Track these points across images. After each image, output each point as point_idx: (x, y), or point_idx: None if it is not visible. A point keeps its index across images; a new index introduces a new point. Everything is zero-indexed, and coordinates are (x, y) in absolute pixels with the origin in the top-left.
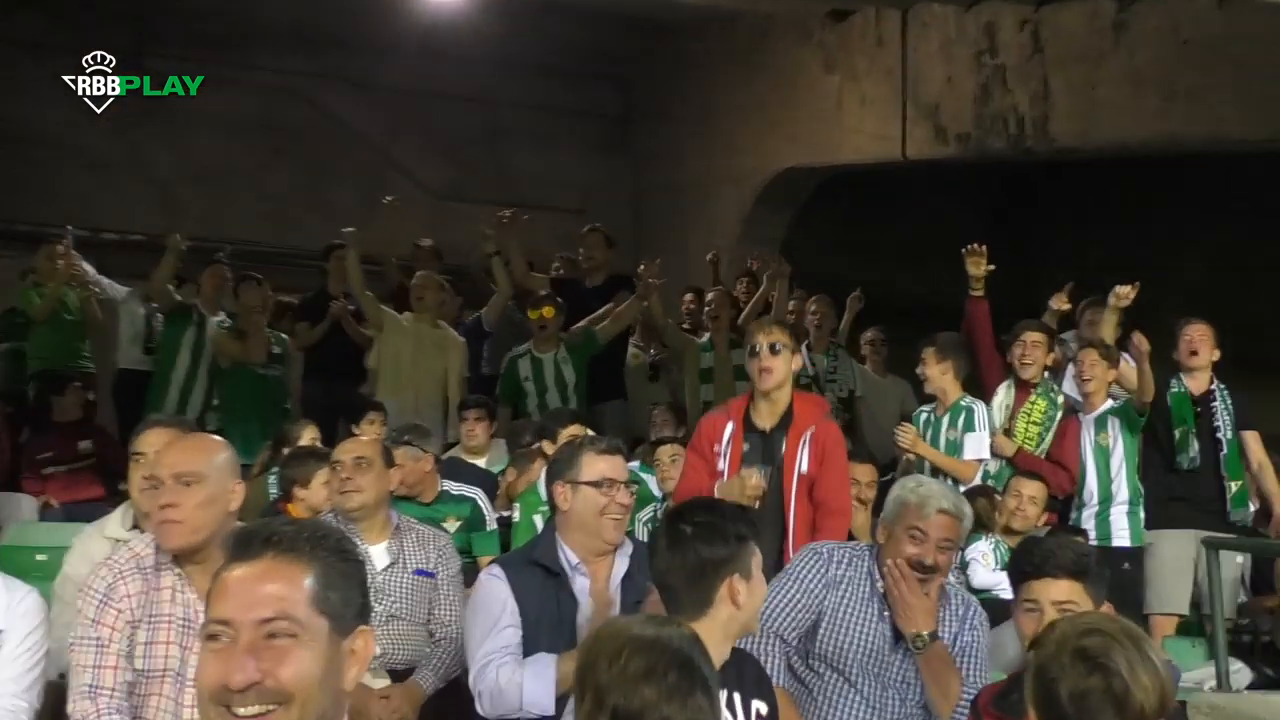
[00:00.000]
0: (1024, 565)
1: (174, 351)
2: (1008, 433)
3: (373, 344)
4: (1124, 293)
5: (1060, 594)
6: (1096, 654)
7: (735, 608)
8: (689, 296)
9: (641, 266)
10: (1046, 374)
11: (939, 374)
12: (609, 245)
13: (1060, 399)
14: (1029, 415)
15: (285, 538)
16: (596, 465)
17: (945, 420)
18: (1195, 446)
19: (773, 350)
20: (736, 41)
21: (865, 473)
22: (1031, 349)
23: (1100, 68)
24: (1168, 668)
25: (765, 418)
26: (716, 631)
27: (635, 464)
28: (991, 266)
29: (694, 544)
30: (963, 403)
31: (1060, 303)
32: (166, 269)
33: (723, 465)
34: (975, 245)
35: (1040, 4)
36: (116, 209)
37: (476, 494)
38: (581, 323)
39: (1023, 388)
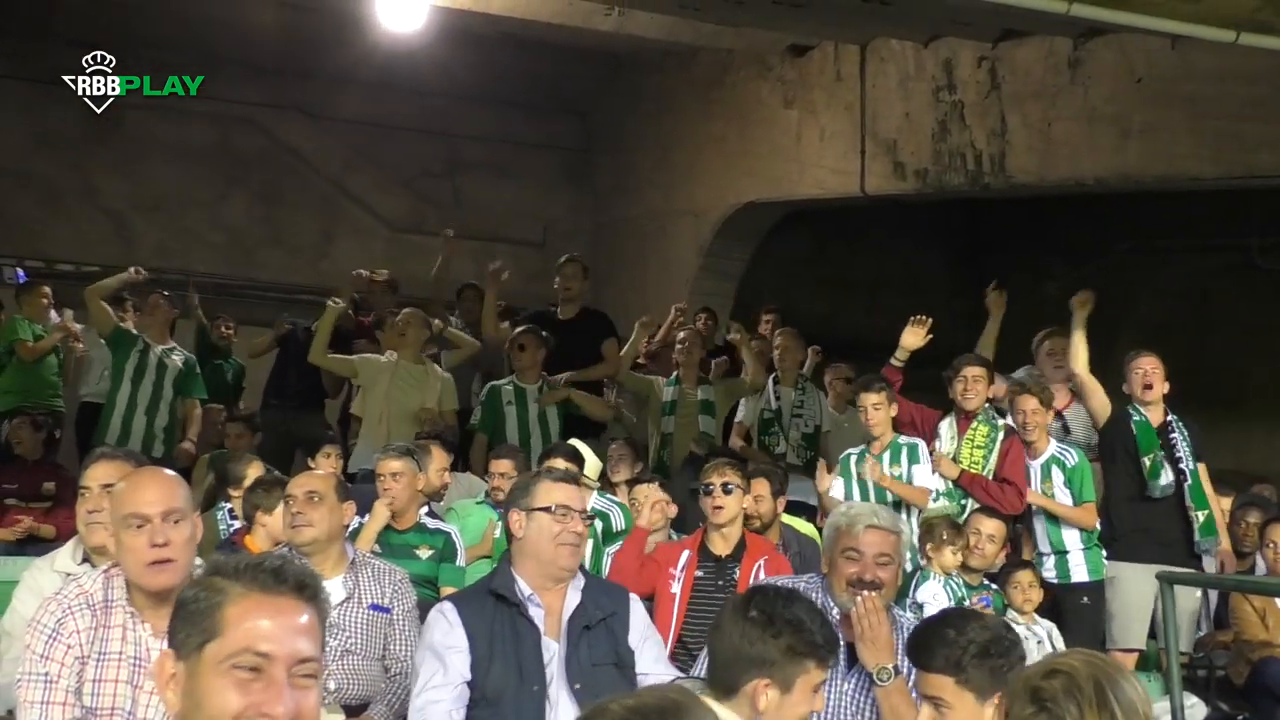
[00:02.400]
0: (907, 648)
1: (118, 380)
2: (955, 459)
3: (350, 390)
4: (1082, 299)
5: (929, 688)
6: (1047, 697)
7: (756, 711)
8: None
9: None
10: (988, 404)
11: (886, 414)
12: (585, 276)
13: (1000, 422)
14: (972, 440)
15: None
16: (552, 493)
17: (886, 457)
18: (1169, 473)
19: (725, 490)
20: (696, 75)
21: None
22: (973, 384)
23: (1056, 104)
24: (1137, 715)
25: (720, 546)
26: None
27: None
28: (930, 336)
29: (743, 628)
30: (900, 440)
31: (994, 301)
32: (105, 283)
33: (676, 589)
34: (922, 316)
35: (997, 40)
36: (71, 240)
37: (452, 529)
38: (558, 376)
39: (964, 417)
